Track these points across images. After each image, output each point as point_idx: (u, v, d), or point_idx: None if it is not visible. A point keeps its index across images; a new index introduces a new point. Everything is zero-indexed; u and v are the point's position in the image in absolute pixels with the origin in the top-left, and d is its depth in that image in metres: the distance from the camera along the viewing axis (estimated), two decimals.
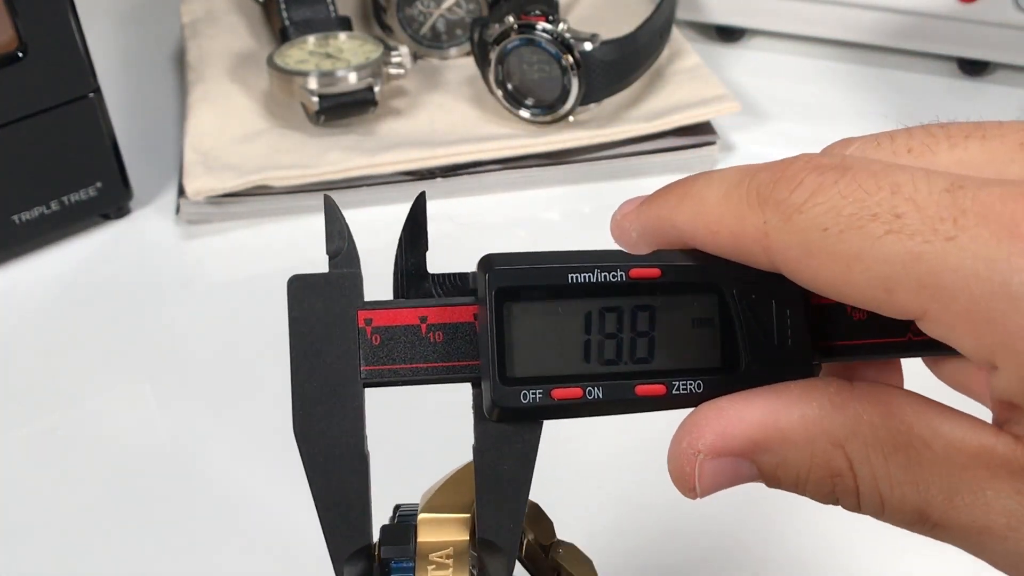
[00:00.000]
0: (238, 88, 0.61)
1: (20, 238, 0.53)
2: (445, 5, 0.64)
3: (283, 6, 0.62)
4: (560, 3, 0.64)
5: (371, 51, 0.58)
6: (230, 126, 0.58)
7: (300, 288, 0.26)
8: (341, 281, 0.26)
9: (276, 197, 0.55)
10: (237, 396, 0.46)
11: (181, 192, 0.55)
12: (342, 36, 0.60)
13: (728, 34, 0.69)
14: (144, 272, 0.53)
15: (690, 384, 0.24)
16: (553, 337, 0.24)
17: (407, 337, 0.26)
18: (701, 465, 0.22)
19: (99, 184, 0.54)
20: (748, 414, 0.22)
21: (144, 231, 0.56)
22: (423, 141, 0.57)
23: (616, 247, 0.25)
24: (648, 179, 0.58)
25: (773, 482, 0.22)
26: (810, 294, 0.23)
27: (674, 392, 0.24)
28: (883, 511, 0.21)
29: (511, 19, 0.56)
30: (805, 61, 0.67)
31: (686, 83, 0.61)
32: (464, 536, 0.27)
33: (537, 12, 0.57)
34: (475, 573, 0.26)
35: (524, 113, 0.58)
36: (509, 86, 0.58)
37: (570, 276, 0.24)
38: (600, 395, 0.24)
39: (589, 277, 0.24)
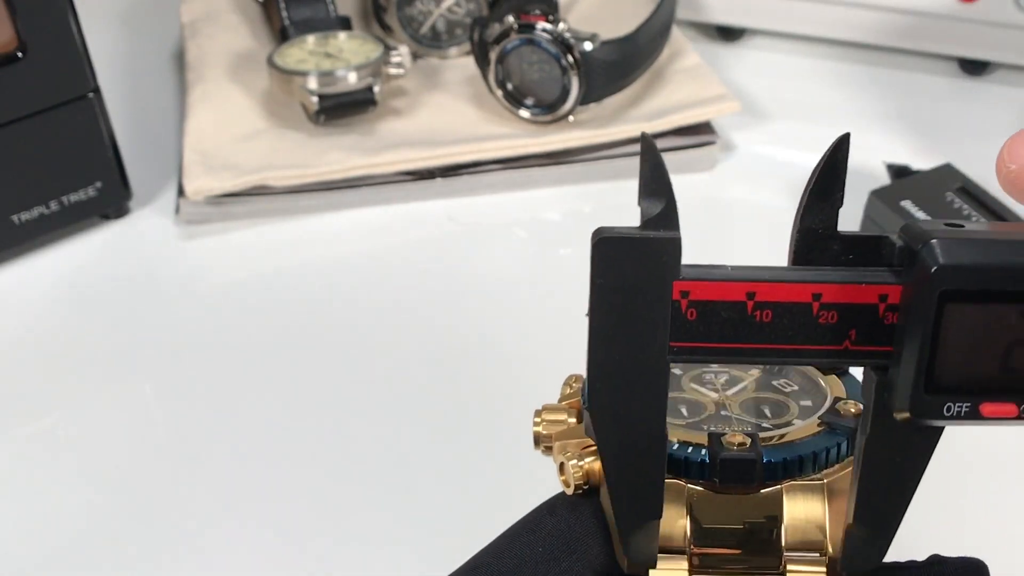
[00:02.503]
0: (238, 88, 0.61)
1: (20, 238, 0.53)
2: (445, 5, 0.64)
3: (283, 5, 0.62)
4: (560, 3, 0.64)
5: (371, 51, 0.58)
6: (229, 126, 0.58)
7: (610, 250, 0.22)
8: (658, 246, 0.22)
9: (276, 197, 0.55)
10: (237, 396, 0.46)
11: (181, 192, 0.55)
12: (342, 36, 0.60)
13: (728, 34, 0.69)
14: (144, 272, 0.53)
15: None
16: (994, 343, 0.21)
17: (729, 313, 0.22)
18: None
19: (99, 184, 0.54)
20: None
21: (144, 231, 0.56)
22: (423, 141, 0.57)
23: None
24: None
25: None
26: None
27: None
28: None
29: (511, 19, 0.56)
30: (805, 61, 0.67)
31: (686, 83, 0.61)
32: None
33: (537, 12, 0.57)
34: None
35: (524, 113, 0.58)
36: (509, 86, 0.58)
37: None
38: None
39: None
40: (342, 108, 0.57)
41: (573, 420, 0.30)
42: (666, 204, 0.22)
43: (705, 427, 0.28)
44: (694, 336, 0.22)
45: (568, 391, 0.31)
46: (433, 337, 0.49)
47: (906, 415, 0.22)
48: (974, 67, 0.65)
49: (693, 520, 0.26)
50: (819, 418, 0.27)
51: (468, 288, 0.51)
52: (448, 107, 0.60)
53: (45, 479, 0.43)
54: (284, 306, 0.51)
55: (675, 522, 0.26)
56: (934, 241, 0.21)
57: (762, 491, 0.26)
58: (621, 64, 0.57)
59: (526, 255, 0.54)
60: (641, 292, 0.22)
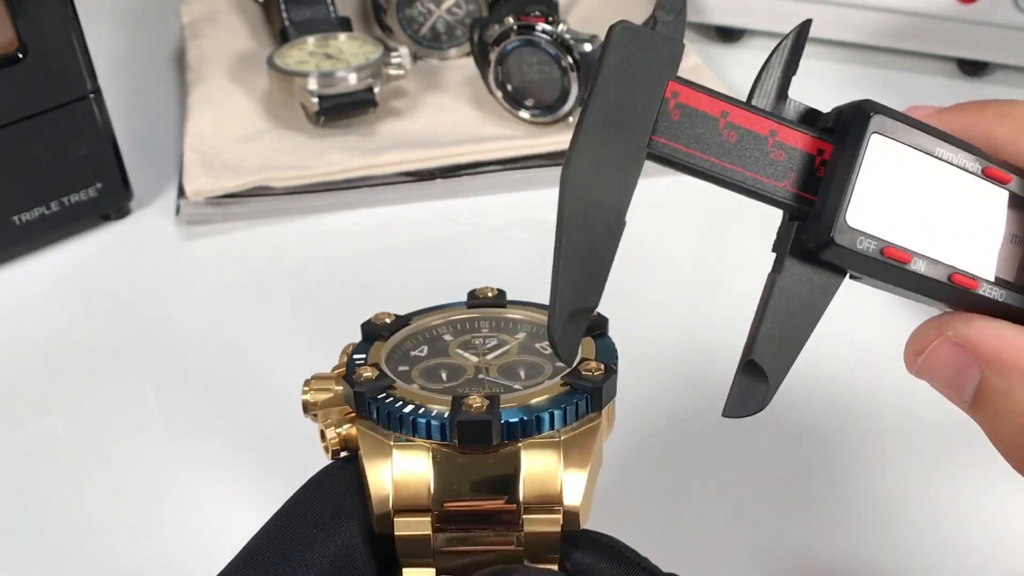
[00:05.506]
0: (238, 89, 0.61)
1: (20, 239, 0.53)
2: (445, 6, 0.64)
3: (283, 6, 0.62)
4: (560, 3, 0.64)
5: (371, 52, 0.58)
6: (230, 127, 0.59)
7: (626, 37, 0.25)
8: (665, 46, 0.25)
9: (276, 198, 0.56)
10: (237, 396, 0.46)
11: (181, 193, 0.55)
12: (342, 37, 0.60)
13: (728, 34, 0.69)
14: (144, 272, 0.53)
15: (996, 292, 0.25)
16: (902, 199, 0.25)
17: (704, 125, 0.26)
18: (939, 345, 0.24)
19: (99, 185, 0.54)
20: (1011, 335, 0.23)
21: (144, 232, 0.56)
22: (423, 142, 0.57)
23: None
24: (647, 179, 0.58)
25: (983, 405, 0.23)
26: None
27: (980, 292, 0.25)
28: None
29: (511, 20, 0.57)
30: (805, 61, 0.67)
31: None
32: None
33: (537, 13, 0.57)
34: None
35: (524, 114, 0.58)
36: (509, 87, 0.58)
37: (938, 149, 0.25)
38: (922, 269, 0.24)
39: (953, 158, 0.25)
40: (342, 109, 0.57)
41: (340, 388, 0.31)
42: (678, 16, 0.26)
43: (460, 391, 0.29)
44: (673, 136, 0.25)
45: (344, 359, 0.32)
46: None
47: (828, 237, 0.24)
48: (973, 68, 0.65)
49: (436, 479, 0.27)
50: (562, 379, 0.29)
51: (468, 289, 0.51)
52: (448, 108, 0.60)
53: (45, 479, 0.43)
54: (284, 306, 0.51)
55: (419, 481, 0.27)
56: (872, 103, 0.25)
57: (501, 450, 0.27)
58: None
59: (526, 255, 0.54)
60: (640, 81, 0.25)
